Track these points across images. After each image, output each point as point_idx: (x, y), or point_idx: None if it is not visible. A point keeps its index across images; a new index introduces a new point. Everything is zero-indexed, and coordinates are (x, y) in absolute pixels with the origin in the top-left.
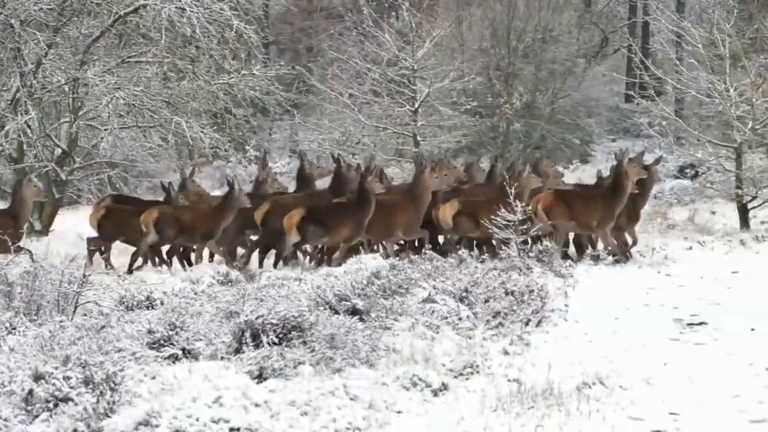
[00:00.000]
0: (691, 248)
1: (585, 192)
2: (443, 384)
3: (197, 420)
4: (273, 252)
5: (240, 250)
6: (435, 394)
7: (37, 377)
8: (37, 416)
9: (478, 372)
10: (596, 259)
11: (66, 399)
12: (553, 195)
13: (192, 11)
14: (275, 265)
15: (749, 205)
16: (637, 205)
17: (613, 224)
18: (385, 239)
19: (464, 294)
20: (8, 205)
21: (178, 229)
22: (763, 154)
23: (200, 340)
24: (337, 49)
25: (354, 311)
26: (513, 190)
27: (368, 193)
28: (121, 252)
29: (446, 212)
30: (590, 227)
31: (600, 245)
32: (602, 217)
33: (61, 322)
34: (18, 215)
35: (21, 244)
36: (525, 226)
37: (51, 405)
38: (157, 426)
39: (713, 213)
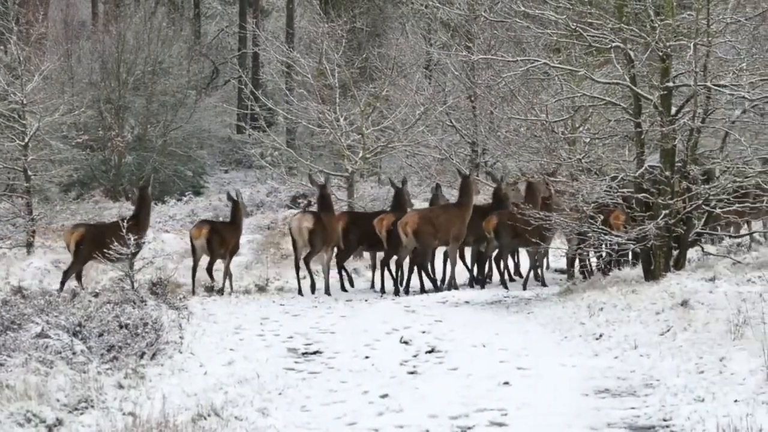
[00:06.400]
0: (305, 277)
1: None
2: (58, 419)
3: None
4: None
5: None
6: (50, 429)
7: None
8: None
9: (93, 406)
10: (210, 290)
11: None
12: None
13: None
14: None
15: None
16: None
17: None
18: None
19: (78, 328)
20: (230, 220)
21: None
22: (374, 182)
23: None
24: None
25: None
26: None
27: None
28: None
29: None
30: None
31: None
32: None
33: None
34: (239, 227)
35: None
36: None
37: None
38: None
39: None
